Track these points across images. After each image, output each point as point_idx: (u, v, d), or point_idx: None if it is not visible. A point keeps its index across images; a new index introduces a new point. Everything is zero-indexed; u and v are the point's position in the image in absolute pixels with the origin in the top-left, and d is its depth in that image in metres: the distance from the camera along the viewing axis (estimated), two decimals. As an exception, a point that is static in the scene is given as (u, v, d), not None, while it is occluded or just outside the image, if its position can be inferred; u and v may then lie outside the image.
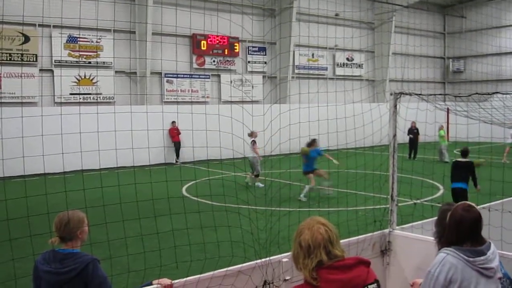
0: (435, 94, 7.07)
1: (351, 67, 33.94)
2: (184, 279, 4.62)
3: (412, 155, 24.98)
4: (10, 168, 17.66)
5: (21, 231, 8.03)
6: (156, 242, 9.05)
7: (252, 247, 8.21)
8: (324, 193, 16.06)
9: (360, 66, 34.38)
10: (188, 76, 26.86)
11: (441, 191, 15.99)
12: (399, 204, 6.99)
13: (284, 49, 29.31)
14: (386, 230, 6.57)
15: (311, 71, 31.77)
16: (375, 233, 6.47)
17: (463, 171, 11.73)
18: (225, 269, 5.08)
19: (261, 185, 17.94)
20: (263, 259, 5.35)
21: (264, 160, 17.41)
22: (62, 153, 7.21)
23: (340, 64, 33.32)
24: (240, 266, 5.11)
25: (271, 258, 5.32)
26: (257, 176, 18.24)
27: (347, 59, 33.67)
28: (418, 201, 12.58)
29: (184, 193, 15.93)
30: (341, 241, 4.94)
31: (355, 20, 33.57)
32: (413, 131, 25.05)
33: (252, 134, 17.92)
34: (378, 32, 34.69)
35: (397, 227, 6.60)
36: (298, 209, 11.75)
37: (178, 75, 26.45)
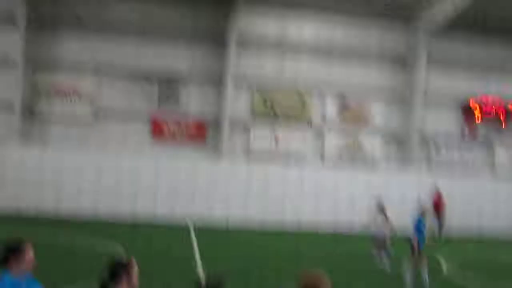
0: None
1: None
2: None
3: None
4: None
5: None
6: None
7: None
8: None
9: None
10: (460, 145, 25.26)
11: None
12: None
13: None
14: None
15: None
16: None
17: None
18: None
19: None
20: None
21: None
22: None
23: None
24: None
25: None
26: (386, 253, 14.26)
27: None
28: None
29: (445, 271, 14.85)
30: None
31: None
32: None
33: (383, 208, 14.63)
34: None
35: None
36: None
37: (449, 143, 25.15)
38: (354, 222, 17.28)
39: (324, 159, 23.84)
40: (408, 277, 11.43)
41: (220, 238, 17.70)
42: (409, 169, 23.93)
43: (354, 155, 24.20)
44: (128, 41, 22.33)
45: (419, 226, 11.61)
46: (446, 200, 22.65)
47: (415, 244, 11.47)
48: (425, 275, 11.35)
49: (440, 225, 22.66)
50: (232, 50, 22.61)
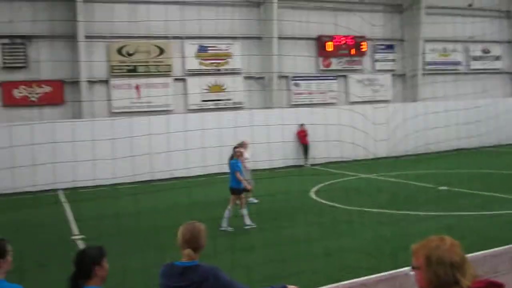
0: None
1: (488, 60, 31.65)
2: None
3: None
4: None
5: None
6: (280, 249, 9.07)
7: (376, 258, 7.95)
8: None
9: (498, 58, 31.98)
10: (315, 78, 26.79)
11: None
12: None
13: (413, 45, 28.21)
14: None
15: (443, 67, 30.20)
16: (514, 244, 5.94)
17: None
18: (348, 281, 4.93)
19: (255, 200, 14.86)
20: (389, 272, 5.13)
21: (395, 161, 16.31)
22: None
23: (476, 57, 31.25)
24: (365, 279, 4.93)
25: (398, 270, 5.07)
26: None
27: (483, 51, 31.47)
28: None
29: (313, 196, 15.87)
30: (475, 253, 4.55)
31: (492, 10, 31.30)
32: None
33: (241, 145, 14.54)
34: (518, 20, 32.01)
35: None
36: (428, 213, 11.21)
37: (305, 78, 26.48)
38: (223, 164, 17.66)
39: (189, 105, 23.89)
40: (226, 213, 11.94)
41: (89, 198, 17.27)
42: (272, 106, 24.76)
43: (217, 98, 24.49)
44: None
45: (235, 167, 12.21)
46: (309, 131, 24.01)
47: (243, 184, 12.12)
48: (245, 212, 11.97)
49: (306, 155, 24.33)
50: (81, 4, 21.46)
